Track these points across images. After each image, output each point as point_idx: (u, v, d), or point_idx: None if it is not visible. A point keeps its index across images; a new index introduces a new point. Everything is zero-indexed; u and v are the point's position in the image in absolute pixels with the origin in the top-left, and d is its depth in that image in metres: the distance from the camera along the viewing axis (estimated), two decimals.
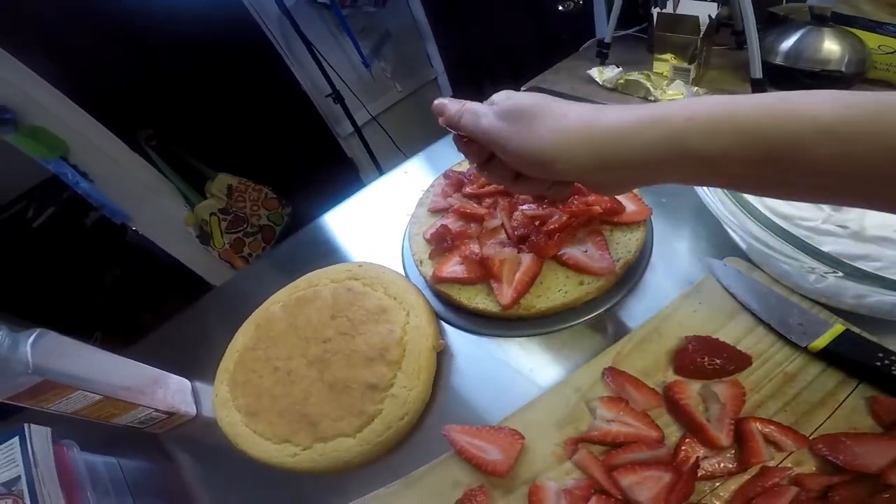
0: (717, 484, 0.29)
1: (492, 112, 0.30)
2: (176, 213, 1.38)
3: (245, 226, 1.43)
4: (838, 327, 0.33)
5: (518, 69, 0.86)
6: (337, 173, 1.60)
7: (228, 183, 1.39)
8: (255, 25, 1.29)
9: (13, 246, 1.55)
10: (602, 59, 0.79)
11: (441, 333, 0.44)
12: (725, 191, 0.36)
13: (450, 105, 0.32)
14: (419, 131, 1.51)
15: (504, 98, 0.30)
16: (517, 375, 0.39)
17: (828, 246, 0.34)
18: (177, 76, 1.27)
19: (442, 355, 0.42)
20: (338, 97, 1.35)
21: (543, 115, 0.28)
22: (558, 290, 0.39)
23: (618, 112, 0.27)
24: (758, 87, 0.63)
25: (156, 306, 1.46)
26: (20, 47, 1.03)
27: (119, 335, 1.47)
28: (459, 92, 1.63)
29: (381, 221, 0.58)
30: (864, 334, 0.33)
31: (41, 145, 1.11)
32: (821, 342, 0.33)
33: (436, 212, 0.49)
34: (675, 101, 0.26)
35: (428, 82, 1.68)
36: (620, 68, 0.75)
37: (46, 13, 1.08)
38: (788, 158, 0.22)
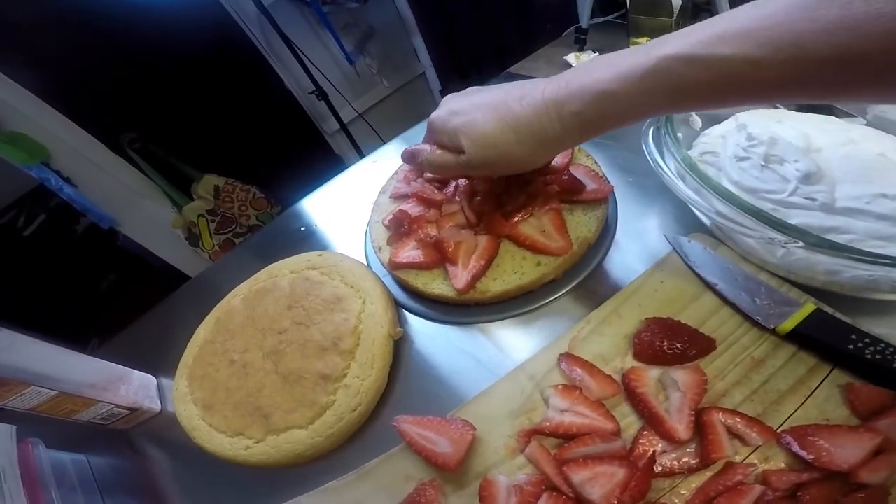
0: (677, 482, 0.27)
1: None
2: (163, 216, 1.37)
3: (234, 226, 1.42)
4: (808, 306, 0.31)
5: (505, 60, 0.85)
6: (325, 170, 1.60)
7: (215, 184, 1.38)
8: (234, 25, 1.28)
9: (5, 255, 1.54)
10: (580, 45, 0.77)
11: (400, 321, 0.42)
12: (685, 166, 0.35)
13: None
14: (408, 127, 1.49)
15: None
16: (477, 364, 0.38)
17: (796, 219, 0.32)
18: (158, 78, 1.26)
19: (400, 343, 0.41)
20: (321, 94, 1.33)
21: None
22: (514, 272, 0.37)
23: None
24: None
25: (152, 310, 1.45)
26: None
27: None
28: (448, 86, 1.61)
29: (350, 210, 0.57)
30: (838, 315, 0.31)
31: (21, 151, 1.10)
32: (790, 323, 0.31)
33: (398, 198, 0.48)
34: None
35: (416, 77, 1.67)
36: (597, 53, 0.74)
37: (22, 18, 1.08)
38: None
